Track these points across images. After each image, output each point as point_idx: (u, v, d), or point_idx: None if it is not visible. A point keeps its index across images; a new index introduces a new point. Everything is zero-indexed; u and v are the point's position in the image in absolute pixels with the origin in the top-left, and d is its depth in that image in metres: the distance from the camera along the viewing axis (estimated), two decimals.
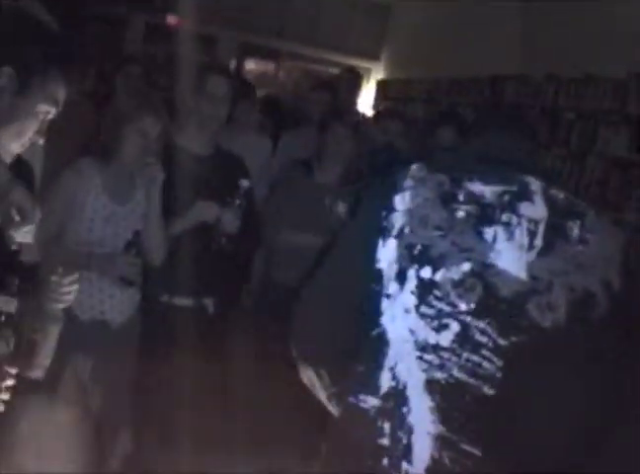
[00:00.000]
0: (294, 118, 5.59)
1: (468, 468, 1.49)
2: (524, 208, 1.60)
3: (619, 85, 5.19)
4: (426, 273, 1.56)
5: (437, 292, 1.55)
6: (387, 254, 1.61)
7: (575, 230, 1.58)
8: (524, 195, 1.62)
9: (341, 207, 3.69)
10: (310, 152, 3.98)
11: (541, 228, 1.58)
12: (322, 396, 1.77)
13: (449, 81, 7.62)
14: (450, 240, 1.57)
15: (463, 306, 1.53)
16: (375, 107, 8.83)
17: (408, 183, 1.65)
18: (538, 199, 1.61)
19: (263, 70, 9.96)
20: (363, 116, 6.02)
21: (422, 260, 1.57)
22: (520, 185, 1.63)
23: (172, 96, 3.55)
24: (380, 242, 1.62)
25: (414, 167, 1.69)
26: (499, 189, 1.62)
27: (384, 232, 1.62)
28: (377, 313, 1.59)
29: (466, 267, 1.55)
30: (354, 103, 5.79)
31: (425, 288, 1.56)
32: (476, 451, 1.49)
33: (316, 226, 3.60)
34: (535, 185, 1.63)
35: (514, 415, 1.50)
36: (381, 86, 9.51)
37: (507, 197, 1.61)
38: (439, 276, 1.55)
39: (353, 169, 3.87)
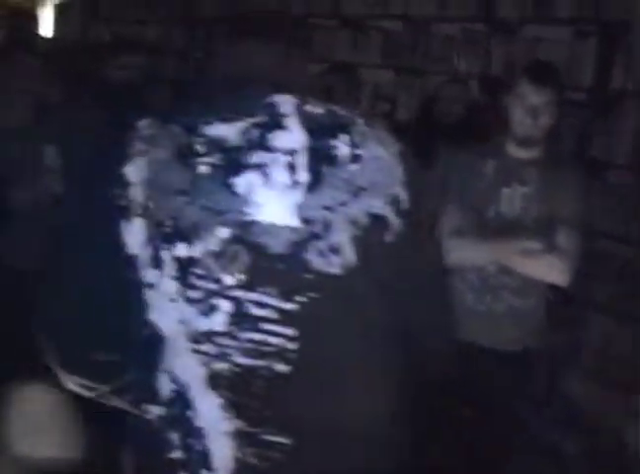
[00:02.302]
0: None
1: (279, 460, 1.30)
2: (278, 139, 1.34)
3: None
4: (181, 250, 1.31)
5: (197, 271, 1.31)
6: (136, 236, 1.33)
7: (343, 149, 1.35)
8: (274, 122, 1.36)
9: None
10: None
11: (302, 158, 1.34)
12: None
13: None
14: (199, 205, 1.31)
15: (230, 280, 1.30)
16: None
17: (138, 146, 1.36)
18: (292, 123, 1.36)
19: None
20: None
21: (174, 237, 1.31)
22: (269, 109, 1.37)
23: None
24: (125, 224, 1.33)
25: (141, 124, 1.38)
26: (243, 124, 1.35)
27: (125, 212, 1.33)
28: (144, 308, 1.33)
29: (224, 233, 1.30)
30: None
31: (184, 269, 1.31)
32: (284, 440, 1.30)
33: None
34: (287, 104, 1.38)
35: (320, 386, 1.33)
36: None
37: (254, 133, 1.34)
38: (196, 252, 1.31)
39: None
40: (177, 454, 1.31)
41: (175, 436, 1.31)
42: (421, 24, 5.18)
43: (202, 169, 1.33)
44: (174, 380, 1.31)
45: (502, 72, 4.55)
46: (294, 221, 1.31)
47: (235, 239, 1.31)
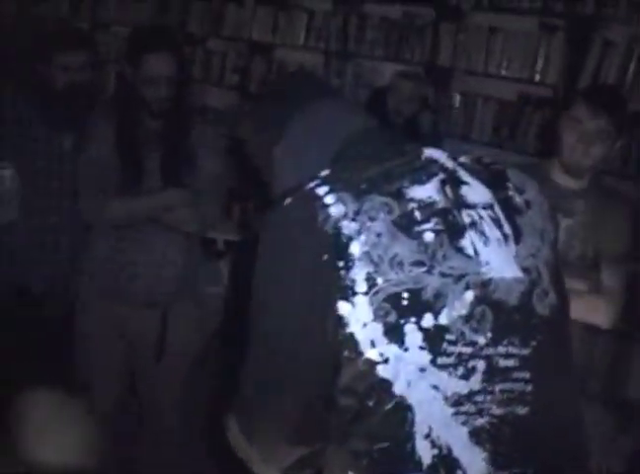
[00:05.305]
0: None
1: None
2: (470, 195, 1.38)
3: None
4: (427, 321, 1.29)
5: (449, 337, 1.31)
6: (356, 315, 1.27)
7: (517, 198, 1.43)
8: (452, 177, 1.39)
9: None
10: None
11: (498, 211, 1.39)
12: None
13: None
14: (438, 272, 1.31)
15: (482, 340, 1.33)
16: None
17: (346, 224, 1.28)
18: (466, 177, 1.40)
19: None
20: None
21: (416, 308, 1.29)
22: (435, 164, 1.40)
23: None
24: (340, 304, 1.27)
25: (330, 199, 1.30)
26: (434, 183, 1.36)
27: (343, 292, 1.26)
28: (381, 384, 1.28)
29: (469, 296, 1.32)
30: None
31: (434, 338, 1.30)
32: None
33: None
34: (442, 157, 1.41)
35: (552, 422, 1.39)
36: None
37: (448, 191, 1.37)
38: (444, 319, 1.30)
39: None
40: None
41: None
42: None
43: (427, 235, 1.32)
44: (434, 445, 1.30)
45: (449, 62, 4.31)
46: (517, 272, 1.36)
47: (479, 300, 1.33)
